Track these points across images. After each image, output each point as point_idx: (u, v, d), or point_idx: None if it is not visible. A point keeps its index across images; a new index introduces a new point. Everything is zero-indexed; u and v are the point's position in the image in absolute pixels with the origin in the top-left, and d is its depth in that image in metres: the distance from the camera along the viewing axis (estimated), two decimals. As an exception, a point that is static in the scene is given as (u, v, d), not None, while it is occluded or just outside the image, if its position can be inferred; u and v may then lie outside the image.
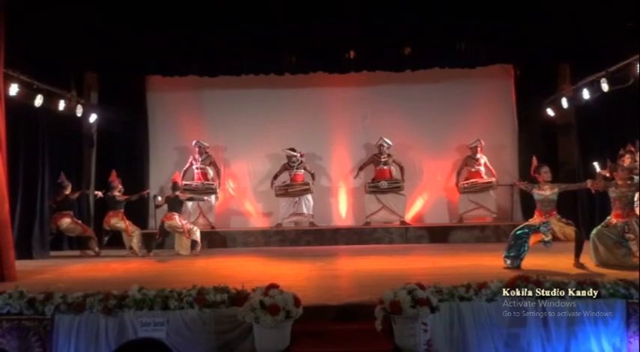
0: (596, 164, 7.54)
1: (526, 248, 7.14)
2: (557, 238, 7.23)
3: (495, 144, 11.58)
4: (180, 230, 9.51)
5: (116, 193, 9.80)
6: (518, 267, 6.91)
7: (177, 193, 9.77)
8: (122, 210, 9.82)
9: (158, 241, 9.73)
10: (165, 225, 9.58)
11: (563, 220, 7.14)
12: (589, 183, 7.35)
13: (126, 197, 9.87)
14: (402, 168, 11.42)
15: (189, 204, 10.80)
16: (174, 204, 9.69)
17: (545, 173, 7.28)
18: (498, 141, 11.67)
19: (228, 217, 11.89)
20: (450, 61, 10.62)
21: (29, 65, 8.59)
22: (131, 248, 9.58)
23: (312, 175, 11.39)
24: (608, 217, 7.27)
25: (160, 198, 10.07)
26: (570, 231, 7.07)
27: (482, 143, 11.28)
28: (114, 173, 9.97)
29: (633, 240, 6.98)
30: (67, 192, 9.68)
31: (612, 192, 7.23)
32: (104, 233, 9.92)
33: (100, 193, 10.20)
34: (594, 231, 7.31)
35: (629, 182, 7.17)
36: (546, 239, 7.08)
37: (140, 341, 3.03)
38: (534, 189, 7.34)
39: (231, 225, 11.79)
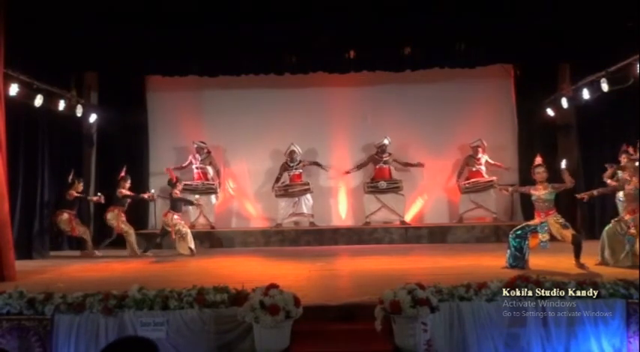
0: (563, 162, 7.55)
1: (527, 248, 7.14)
2: (556, 238, 7.25)
3: (495, 144, 11.58)
4: (169, 229, 9.54)
5: (119, 190, 9.80)
6: (523, 268, 6.90)
7: (174, 191, 9.77)
8: (121, 208, 9.78)
9: (156, 241, 9.74)
10: (162, 221, 9.70)
11: (561, 221, 7.11)
12: (567, 182, 7.30)
13: (122, 194, 9.81)
14: (405, 163, 11.45)
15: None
16: (172, 202, 9.73)
17: (539, 173, 7.29)
18: (498, 141, 11.67)
19: (228, 217, 11.89)
20: (450, 61, 10.61)
21: (29, 65, 8.60)
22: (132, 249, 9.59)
23: (316, 163, 11.43)
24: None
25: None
26: (568, 233, 7.07)
27: (485, 143, 11.28)
28: (124, 170, 9.98)
29: (635, 235, 6.99)
30: (72, 190, 9.66)
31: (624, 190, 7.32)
32: (108, 232, 9.92)
33: (95, 198, 10.08)
34: (606, 228, 7.35)
35: (633, 179, 7.20)
36: (543, 239, 7.09)
37: (127, 339, 3.03)
38: (530, 189, 7.36)
39: (231, 225, 11.80)
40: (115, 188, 9.84)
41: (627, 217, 7.20)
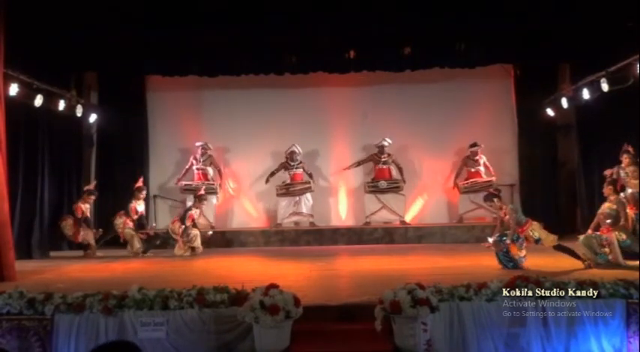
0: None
1: (509, 251, 7.14)
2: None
3: (495, 144, 11.56)
4: (175, 237, 9.55)
5: (133, 201, 9.83)
6: (515, 268, 6.90)
7: (192, 209, 9.75)
8: (129, 216, 9.78)
9: (156, 242, 9.75)
10: (168, 227, 9.72)
11: (535, 236, 7.05)
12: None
13: (132, 210, 9.79)
14: (400, 169, 11.41)
15: (189, 203, 10.83)
16: (185, 215, 9.71)
17: (491, 206, 7.69)
18: (498, 142, 11.65)
19: (228, 217, 11.88)
20: (450, 61, 10.60)
21: (29, 65, 8.59)
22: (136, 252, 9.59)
23: (310, 175, 11.39)
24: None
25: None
26: (546, 245, 7.09)
27: (482, 146, 11.26)
28: (141, 180, 10.04)
29: (609, 254, 7.00)
30: (82, 203, 9.65)
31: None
32: (109, 231, 9.93)
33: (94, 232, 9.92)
34: (581, 239, 7.32)
35: (613, 198, 7.27)
36: (521, 254, 7.10)
37: (111, 344, 3.06)
38: None
39: (231, 225, 11.79)
40: (118, 191, 9.87)
41: (601, 234, 7.18)
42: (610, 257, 7.01)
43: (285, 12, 9.05)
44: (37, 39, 8.73)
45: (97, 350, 2.69)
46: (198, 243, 9.57)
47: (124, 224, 9.72)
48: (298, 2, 9.01)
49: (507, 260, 7.11)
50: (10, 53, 7.29)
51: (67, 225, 9.60)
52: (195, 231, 9.62)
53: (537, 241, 7.07)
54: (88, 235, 9.77)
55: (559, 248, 7.10)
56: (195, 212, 9.76)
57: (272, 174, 11.32)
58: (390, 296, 4.69)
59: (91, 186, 9.98)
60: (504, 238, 7.15)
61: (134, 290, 5.14)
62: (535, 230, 7.09)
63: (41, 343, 4.99)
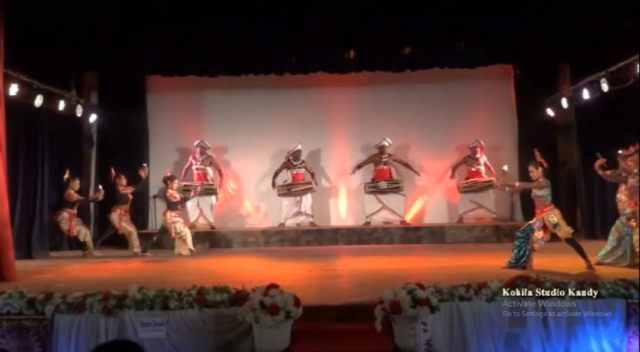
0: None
1: (528, 249, 7.14)
2: (557, 237, 7.25)
3: (495, 144, 11.58)
4: (167, 227, 9.57)
5: (119, 189, 9.84)
6: (524, 268, 6.90)
7: (168, 191, 9.83)
8: (122, 207, 9.78)
9: (153, 239, 9.76)
10: (162, 220, 9.77)
11: (553, 221, 7.06)
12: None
13: (127, 190, 9.86)
14: (406, 164, 11.45)
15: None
16: (167, 201, 9.77)
17: (531, 171, 7.40)
18: (498, 141, 11.67)
19: (228, 217, 11.88)
20: (449, 61, 10.61)
21: (29, 65, 8.59)
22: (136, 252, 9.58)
23: (312, 175, 11.39)
24: None
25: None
26: (560, 234, 7.10)
27: (482, 143, 11.27)
28: (112, 170, 9.97)
29: (635, 227, 7.01)
30: (70, 190, 9.65)
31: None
32: (109, 229, 9.94)
33: (92, 196, 10.19)
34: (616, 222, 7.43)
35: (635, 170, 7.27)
36: (538, 237, 7.12)
37: (114, 343, 3.05)
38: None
39: (231, 225, 11.79)
40: (118, 191, 9.85)
41: (629, 210, 7.24)
42: (634, 231, 7.02)
43: (285, 12, 9.05)
44: (37, 39, 8.71)
45: (101, 349, 2.67)
46: (190, 244, 9.55)
47: (120, 216, 9.70)
48: (298, 2, 9.01)
49: (516, 258, 7.12)
50: (10, 53, 7.29)
51: (63, 219, 9.59)
52: (185, 230, 9.62)
53: (555, 226, 7.06)
54: (85, 233, 9.76)
55: (571, 241, 7.09)
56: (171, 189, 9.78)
57: (276, 174, 11.32)
58: (390, 296, 4.69)
59: (66, 174, 9.90)
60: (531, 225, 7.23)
61: (134, 290, 5.13)
62: (555, 216, 7.10)
63: (41, 343, 4.99)
